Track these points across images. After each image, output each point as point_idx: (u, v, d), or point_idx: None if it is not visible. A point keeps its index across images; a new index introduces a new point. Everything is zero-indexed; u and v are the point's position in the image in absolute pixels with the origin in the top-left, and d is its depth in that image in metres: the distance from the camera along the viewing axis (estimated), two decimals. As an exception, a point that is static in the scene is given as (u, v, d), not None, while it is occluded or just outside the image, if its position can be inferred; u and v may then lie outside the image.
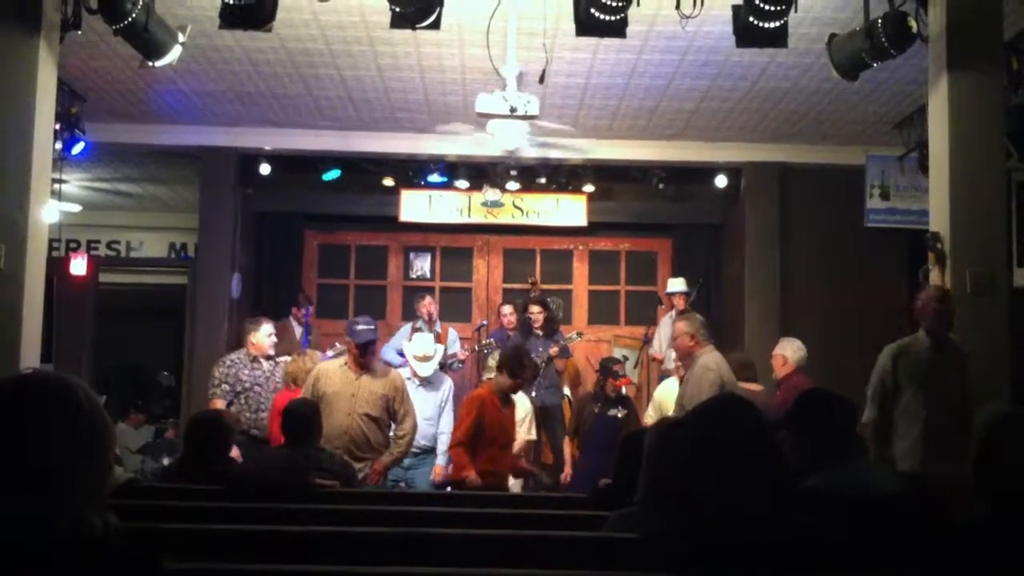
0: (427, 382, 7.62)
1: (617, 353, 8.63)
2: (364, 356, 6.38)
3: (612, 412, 7.53)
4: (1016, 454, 2.38)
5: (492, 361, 7.75)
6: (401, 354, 8.07)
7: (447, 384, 7.89)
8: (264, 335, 7.48)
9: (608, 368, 7.76)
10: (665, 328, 8.96)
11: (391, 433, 6.48)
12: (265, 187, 10.21)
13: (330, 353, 8.72)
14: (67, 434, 1.74)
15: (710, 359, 6.33)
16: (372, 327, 6.46)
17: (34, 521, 1.67)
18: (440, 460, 7.62)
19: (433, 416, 7.56)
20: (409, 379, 7.34)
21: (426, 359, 7.58)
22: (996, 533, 2.31)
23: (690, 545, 2.48)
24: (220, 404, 7.15)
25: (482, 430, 6.35)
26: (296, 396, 6.73)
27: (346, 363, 6.48)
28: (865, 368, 8.69)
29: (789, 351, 7.39)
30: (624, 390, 7.83)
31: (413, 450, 7.23)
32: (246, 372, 7.34)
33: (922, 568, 2.41)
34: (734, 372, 7.01)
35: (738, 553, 2.41)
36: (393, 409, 6.40)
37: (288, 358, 7.37)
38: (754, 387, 7.02)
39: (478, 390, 6.86)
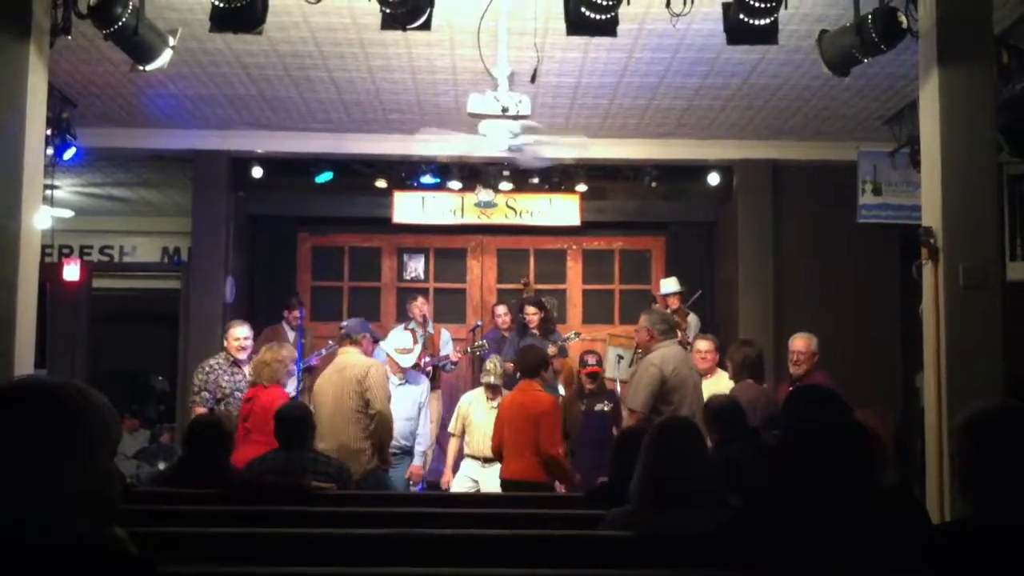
0: (406, 380, 7.60)
1: (612, 352, 8.61)
2: None
3: (598, 407, 7.54)
4: (1008, 450, 2.36)
5: (490, 365, 7.71)
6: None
7: (424, 383, 7.92)
8: (231, 338, 7.36)
9: (580, 359, 7.83)
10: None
11: None
12: (257, 190, 10.20)
13: (324, 351, 8.76)
14: (64, 439, 1.73)
15: (657, 355, 6.33)
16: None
17: (30, 524, 1.66)
18: (417, 461, 7.65)
19: (413, 415, 7.56)
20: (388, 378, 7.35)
21: (407, 351, 7.62)
22: (985, 533, 2.29)
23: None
24: (201, 412, 7.06)
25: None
26: (256, 392, 6.67)
27: None
28: (859, 363, 8.66)
29: (816, 347, 6.98)
30: (619, 387, 7.84)
31: (393, 450, 7.23)
32: (226, 378, 7.19)
33: (910, 568, 2.41)
34: (738, 371, 6.96)
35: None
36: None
37: None
38: (763, 386, 6.97)
39: (551, 395, 7.10)
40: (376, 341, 7.39)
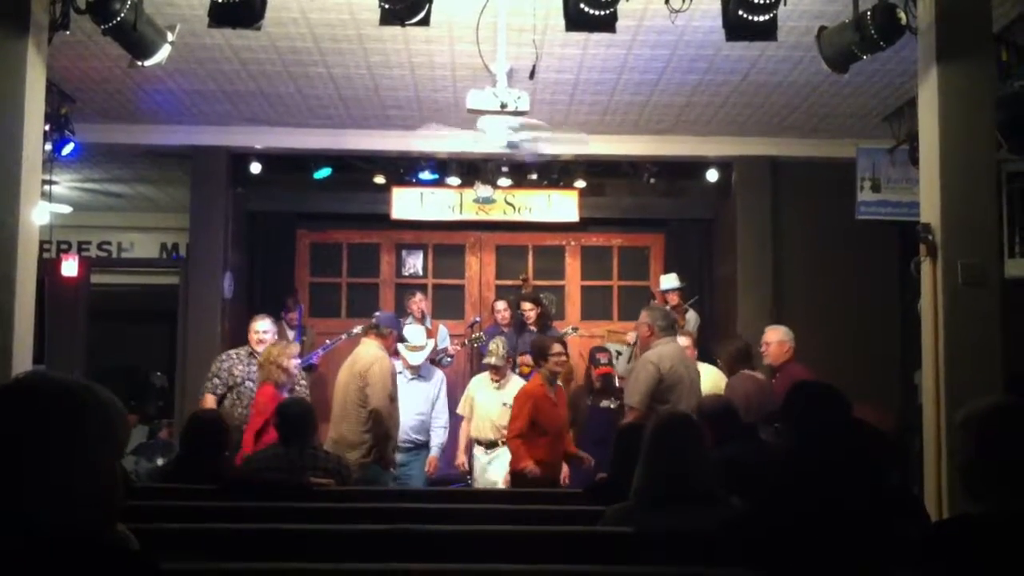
0: (418, 376, 7.66)
1: (611, 348, 8.61)
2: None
3: (604, 404, 7.55)
4: (1009, 447, 2.36)
5: (492, 346, 7.81)
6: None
7: (438, 378, 7.95)
8: (252, 331, 7.60)
9: (591, 356, 7.83)
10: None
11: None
12: (256, 186, 10.19)
13: (322, 350, 8.76)
14: (64, 436, 1.72)
15: (655, 352, 6.37)
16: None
17: (29, 521, 1.66)
18: (433, 452, 7.69)
19: (425, 411, 7.61)
20: (400, 372, 7.41)
21: (418, 348, 7.65)
22: (987, 529, 2.29)
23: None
24: (210, 399, 7.18)
25: (536, 422, 6.79)
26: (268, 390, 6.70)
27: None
28: (858, 360, 8.69)
29: (786, 336, 7.30)
30: (616, 381, 7.83)
31: (406, 444, 7.29)
32: (240, 367, 7.37)
33: (909, 565, 2.41)
34: (731, 364, 7.02)
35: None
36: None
37: None
38: (758, 374, 7.05)
39: (529, 385, 7.12)
40: (401, 340, 7.45)
